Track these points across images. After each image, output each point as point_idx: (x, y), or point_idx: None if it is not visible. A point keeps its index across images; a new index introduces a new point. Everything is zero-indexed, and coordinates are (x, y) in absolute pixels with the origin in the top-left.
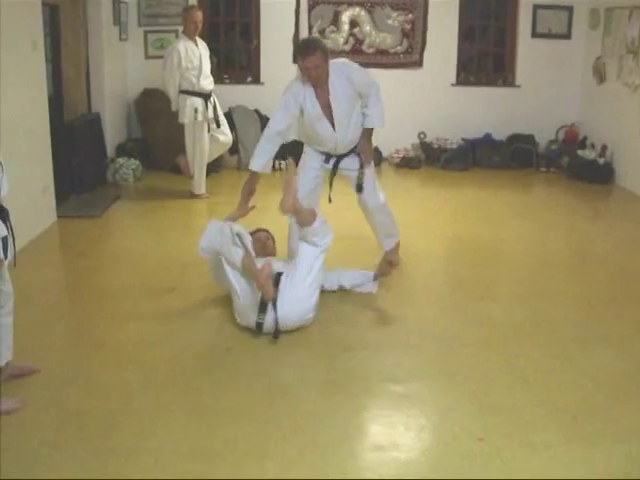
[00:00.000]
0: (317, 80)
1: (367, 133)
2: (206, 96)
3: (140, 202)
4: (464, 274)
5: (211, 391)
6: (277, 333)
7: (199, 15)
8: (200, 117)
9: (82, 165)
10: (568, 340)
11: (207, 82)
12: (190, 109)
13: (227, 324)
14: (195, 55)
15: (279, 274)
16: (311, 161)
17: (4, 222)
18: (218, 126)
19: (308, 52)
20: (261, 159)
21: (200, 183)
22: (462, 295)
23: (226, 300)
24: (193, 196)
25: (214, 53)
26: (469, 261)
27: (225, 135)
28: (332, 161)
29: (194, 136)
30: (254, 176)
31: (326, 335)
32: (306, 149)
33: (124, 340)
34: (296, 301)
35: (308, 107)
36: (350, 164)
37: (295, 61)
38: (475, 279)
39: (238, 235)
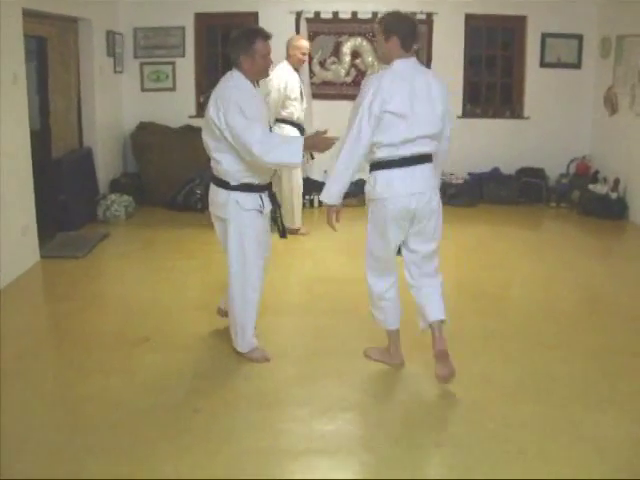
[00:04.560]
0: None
1: None
2: (302, 128)
3: (129, 241)
4: (463, 324)
5: (175, 459)
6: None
7: (306, 45)
8: None
9: (70, 202)
10: (572, 400)
11: (303, 114)
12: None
13: (199, 381)
14: (297, 85)
15: None
16: (256, 218)
17: None
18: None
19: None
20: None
21: (297, 216)
22: (459, 349)
23: (201, 353)
24: (292, 232)
25: (212, 85)
26: (470, 309)
27: None
28: (266, 199)
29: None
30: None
31: (306, 393)
32: (240, 200)
33: (87, 397)
34: None
35: None
36: None
37: None
38: (475, 330)
39: None
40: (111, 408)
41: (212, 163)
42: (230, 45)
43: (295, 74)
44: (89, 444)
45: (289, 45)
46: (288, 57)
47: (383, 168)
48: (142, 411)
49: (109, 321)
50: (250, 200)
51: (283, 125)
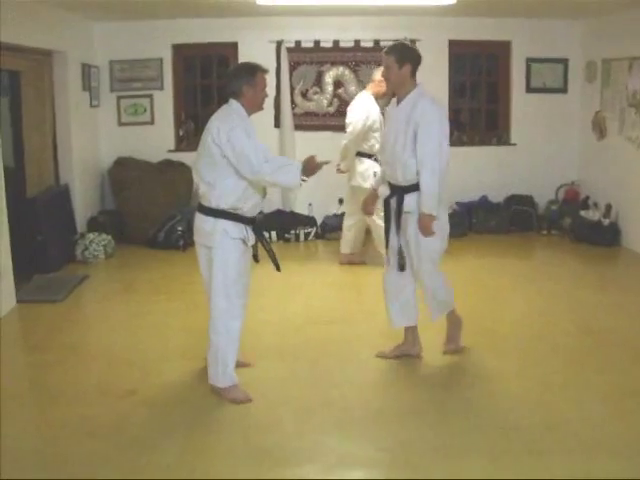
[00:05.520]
0: None
1: None
2: None
3: (109, 283)
4: (463, 363)
5: None
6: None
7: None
8: None
9: (47, 242)
10: (592, 447)
11: None
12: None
13: (193, 438)
14: (379, 117)
15: None
16: (241, 248)
17: None
18: None
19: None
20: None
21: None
22: (460, 392)
23: (193, 406)
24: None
25: (191, 118)
26: (468, 350)
27: None
28: (250, 232)
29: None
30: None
31: (309, 449)
32: (228, 229)
33: (72, 459)
34: None
35: None
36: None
37: (277, 125)
38: (475, 370)
39: None
40: (100, 470)
41: (202, 190)
42: (231, 77)
43: (377, 105)
44: None
45: (377, 77)
46: (372, 87)
47: None
48: (133, 473)
49: (91, 373)
50: (236, 229)
51: (363, 159)
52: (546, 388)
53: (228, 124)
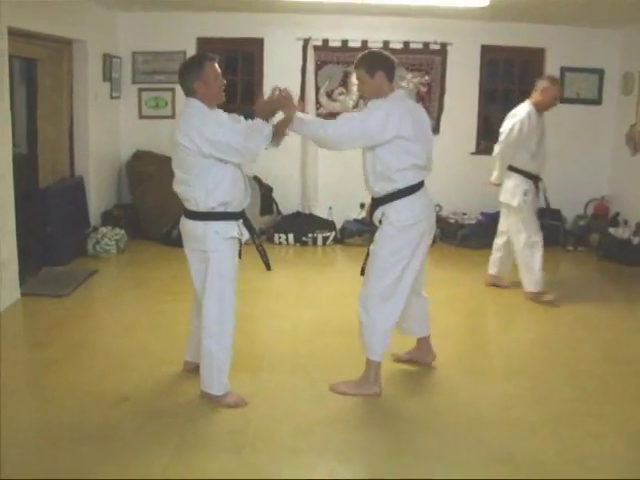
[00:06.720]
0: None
1: None
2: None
3: (118, 279)
4: (480, 388)
5: None
6: None
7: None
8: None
9: (57, 235)
10: None
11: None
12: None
13: (182, 452)
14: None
15: None
16: (235, 247)
17: None
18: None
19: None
20: None
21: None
22: (474, 421)
23: (188, 419)
24: (534, 298)
25: None
26: (487, 370)
27: None
28: (243, 227)
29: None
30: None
31: (305, 472)
32: (219, 230)
33: (55, 468)
34: None
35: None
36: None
37: None
38: (491, 397)
39: None
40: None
41: (188, 195)
42: (182, 75)
43: (535, 116)
44: None
45: (541, 86)
46: (533, 97)
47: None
48: None
49: (88, 374)
50: (228, 228)
51: (513, 174)
52: (563, 419)
53: (195, 122)
